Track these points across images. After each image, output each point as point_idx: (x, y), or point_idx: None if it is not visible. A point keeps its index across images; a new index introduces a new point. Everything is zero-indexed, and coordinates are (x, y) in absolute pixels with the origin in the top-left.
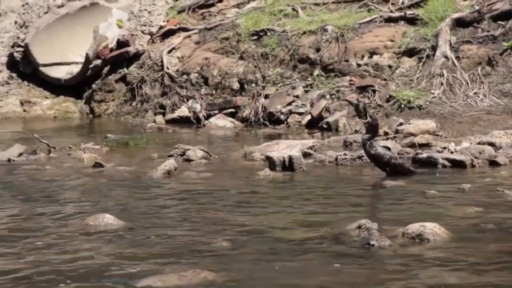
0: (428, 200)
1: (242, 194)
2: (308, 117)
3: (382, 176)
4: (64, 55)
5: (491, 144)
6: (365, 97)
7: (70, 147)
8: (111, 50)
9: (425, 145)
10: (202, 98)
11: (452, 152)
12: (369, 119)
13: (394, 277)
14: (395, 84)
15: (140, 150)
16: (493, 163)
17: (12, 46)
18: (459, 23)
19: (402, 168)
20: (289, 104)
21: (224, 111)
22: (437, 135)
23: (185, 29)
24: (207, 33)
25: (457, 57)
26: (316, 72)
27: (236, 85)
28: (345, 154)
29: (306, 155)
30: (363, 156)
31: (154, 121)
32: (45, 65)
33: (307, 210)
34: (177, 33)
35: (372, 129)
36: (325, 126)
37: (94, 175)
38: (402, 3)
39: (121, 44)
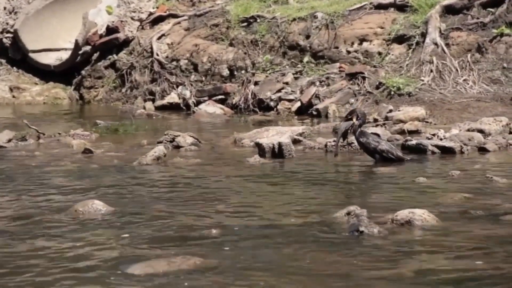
0: (417, 187)
1: (231, 181)
2: (298, 103)
3: (371, 163)
4: (54, 41)
5: (480, 131)
6: (354, 84)
7: (59, 133)
8: (101, 36)
9: (415, 132)
10: (191, 85)
11: (441, 139)
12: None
13: (383, 263)
14: (384, 71)
15: (130, 136)
16: (482, 150)
17: (1, 32)
18: (449, 10)
19: (391, 154)
20: (279, 91)
21: (214, 98)
22: (427, 122)
23: (174, 16)
24: (197, 20)
25: (447, 44)
26: (305, 59)
27: (225, 72)
28: (334, 141)
29: (295, 141)
30: (352, 143)
31: (144, 108)
32: (34, 51)
33: (296, 196)
34: (167, 20)
35: (362, 117)
36: (314, 112)
37: (83, 161)
38: None
39: (111, 30)
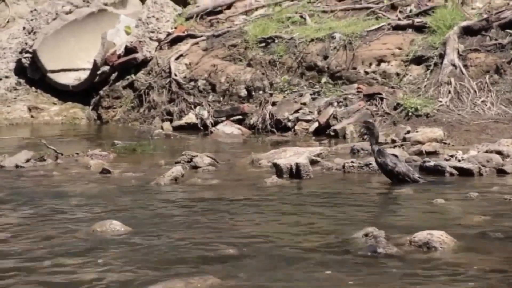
0: (435, 208)
1: (249, 202)
2: (316, 124)
3: (389, 184)
4: (72, 61)
5: (499, 153)
6: (372, 105)
7: (77, 153)
8: (119, 56)
9: (433, 153)
10: (209, 105)
11: (459, 160)
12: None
13: (401, 285)
14: (402, 92)
15: (147, 156)
16: (501, 172)
17: (20, 52)
18: (467, 31)
19: (407, 177)
20: (297, 111)
21: (232, 118)
22: (445, 143)
23: (193, 36)
24: (215, 40)
25: (465, 65)
26: (323, 79)
27: (243, 92)
28: (352, 162)
29: (313, 162)
30: (370, 163)
31: (162, 128)
32: (53, 71)
33: (314, 217)
34: (185, 40)
35: (372, 133)
36: (332, 133)
37: (101, 181)
38: (410, 11)
39: (129, 50)
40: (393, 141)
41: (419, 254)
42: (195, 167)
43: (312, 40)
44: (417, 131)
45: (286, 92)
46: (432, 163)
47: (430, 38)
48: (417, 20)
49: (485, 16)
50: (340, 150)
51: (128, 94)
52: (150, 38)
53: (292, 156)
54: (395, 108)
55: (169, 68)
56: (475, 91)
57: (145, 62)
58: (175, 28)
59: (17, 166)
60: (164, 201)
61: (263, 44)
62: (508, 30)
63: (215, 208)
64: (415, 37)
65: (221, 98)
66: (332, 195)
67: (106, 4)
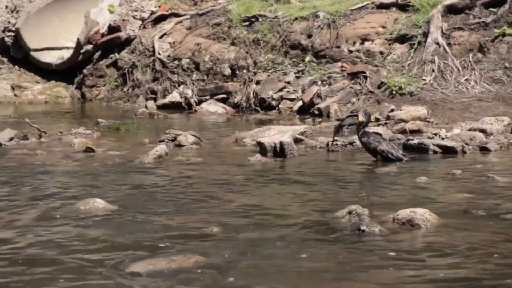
0: (418, 186)
1: (232, 180)
2: (300, 103)
3: (373, 162)
4: (55, 40)
5: (482, 131)
6: (356, 84)
7: (61, 132)
8: (103, 35)
9: (416, 132)
10: (193, 84)
11: (443, 139)
12: (362, 117)
13: (384, 262)
14: (386, 71)
15: (131, 135)
16: (484, 149)
17: (3, 31)
18: (451, 10)
19: (391, 155)
20: (281, 90)
21: (216, 97)
22: (428, 121)
23: (176, 15)
24: (199, 19)
25: (449, 44)
26: (307, 58)
27: (227, 71)
28: (336, 140)
29: (297, 141)
30: (354, 142)
31: (146, 107)
32: (36, 50)
33: (298, 195)
34: (169, 19)
35: (367, 117)
36: (316, 112)
37: (85, 160)
38: None
39: (113, 29)
40: (377, 120)
41: (403, 231)
42: (179, 146)
43: (296, 18)
44: (401, 110)
45: (270, 71)
46: (415, 141)
47: (414, 16)
48: None
49: None
50: (324, 129)
51: (112, 73)
52: (134, 17)
53: (276, 134)
54: (379, 87)
55: (153, 47)
56: (458, 70)
57: (128, 41)
58: (159, 6)
59: (0, 145)
60: (148, 179)
61: (247, 23)
62: (491, 9)
63: (199, 187)
64: (399, 16)
65: (205, 77)
66: (316, 173)
67: None
